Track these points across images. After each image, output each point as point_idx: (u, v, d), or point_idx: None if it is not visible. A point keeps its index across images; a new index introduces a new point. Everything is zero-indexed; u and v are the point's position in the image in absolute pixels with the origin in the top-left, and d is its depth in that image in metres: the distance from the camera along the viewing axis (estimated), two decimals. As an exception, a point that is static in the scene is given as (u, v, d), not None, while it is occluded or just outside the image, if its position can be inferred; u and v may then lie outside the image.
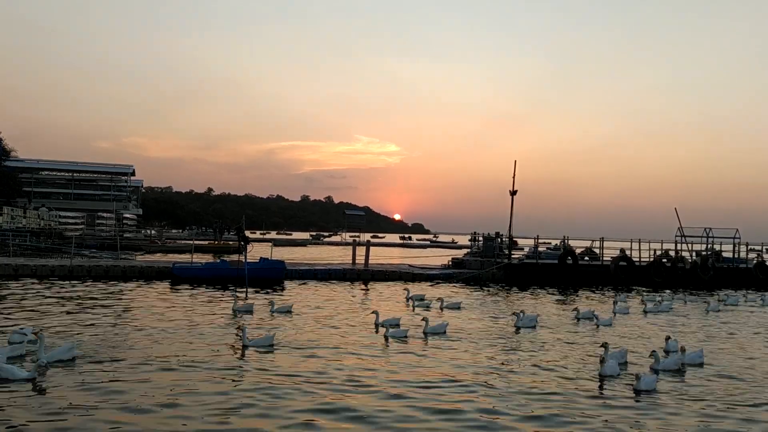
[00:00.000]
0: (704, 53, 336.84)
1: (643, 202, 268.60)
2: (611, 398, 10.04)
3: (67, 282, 25.21)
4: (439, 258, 42.27)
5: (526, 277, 33.06)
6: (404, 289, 24.64)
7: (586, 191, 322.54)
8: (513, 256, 35.86)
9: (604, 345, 12.67)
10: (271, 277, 27.95)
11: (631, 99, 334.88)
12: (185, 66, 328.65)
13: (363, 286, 27.78)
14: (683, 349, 12.84)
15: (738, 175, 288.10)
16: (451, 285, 29.87)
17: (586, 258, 37.22)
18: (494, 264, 33.84)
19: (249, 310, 18.53)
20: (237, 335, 13.87)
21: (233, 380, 10.28)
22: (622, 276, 33.98)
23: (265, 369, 11.11)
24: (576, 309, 19.56)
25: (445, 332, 15.58)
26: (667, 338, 14.68)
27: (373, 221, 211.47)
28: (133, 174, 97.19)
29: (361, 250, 34.80)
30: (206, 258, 39.98)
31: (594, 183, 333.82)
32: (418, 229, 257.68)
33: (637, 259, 35.87)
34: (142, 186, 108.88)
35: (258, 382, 10.21)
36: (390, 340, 14.50)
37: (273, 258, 30.98)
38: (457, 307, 20.98)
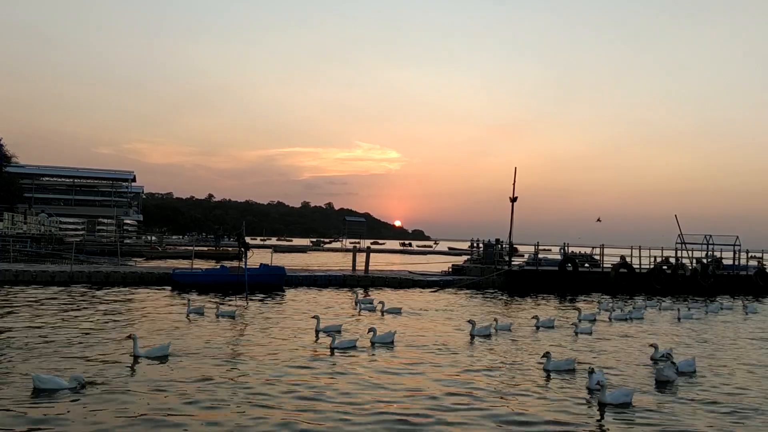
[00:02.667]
0: (704, 61, 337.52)
1: (644, 209, 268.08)
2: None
3: (53, 288, 25.21)
4: (439, 265, 42.27)
5: (527, 284, 33.03)
6: (352, 292, 24.50)
7: (587, 198, 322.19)
8: (513, 262, 35.87)
9: (546, 354, 12.50)
10: (271, 283, 27.95)
11: (631, 106, 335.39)
12: (186, 73, 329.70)
13: (362, 293, 27.78)
14: (669, 356, 12.70)
15: (738, 183, 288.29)
16: (450, 292, 29.85)
17: (587, 265, 37.24)
18: (494, 271, 33.84)
19: (200, 312, 18.76)
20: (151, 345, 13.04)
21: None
22: (623, 283, 33.96)
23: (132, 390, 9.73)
24: (536, 317, 19.01)
25: (392, 342, 14.74)
26: (654, 346, 14.10)
27: (373, 228, 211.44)
28: (133, 180, 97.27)
29: (361, 257, 34.82)
30: (207, 264, 39.97)
31: (594, 190, 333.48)
32: (419, 235, 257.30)
33: (638, 266, 35.87)
34: (142, 192, 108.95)
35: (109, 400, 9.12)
36: (336, 351, 13.53)
37: (273, 264, 31.02)
38: (397, 312, 20.82)
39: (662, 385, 11.51)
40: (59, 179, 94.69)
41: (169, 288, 26.55)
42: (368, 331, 15.03)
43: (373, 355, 13.48)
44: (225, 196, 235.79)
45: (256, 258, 31.27)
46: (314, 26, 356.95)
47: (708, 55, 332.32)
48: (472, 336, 16.37)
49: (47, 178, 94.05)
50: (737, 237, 40.57)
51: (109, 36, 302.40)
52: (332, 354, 13.31)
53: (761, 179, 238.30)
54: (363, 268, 33.65)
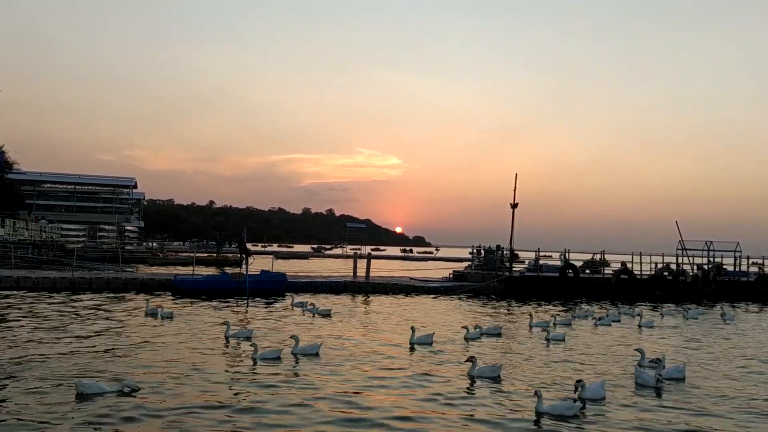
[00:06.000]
0: (705, 65, 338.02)
1: (644, 215, 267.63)
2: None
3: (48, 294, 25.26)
4: (440, 271, 42.26)
5: (527, 290, 33.04)
6: (289, 296, 24.80)
7: (587, 204, 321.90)
8: (514, 268, 35.88)
9: (471, 359, 12.11)
10: (273, 289, 27.98)
11: (631, 111, 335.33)
12: (187, 78, 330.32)
13: (363, 299, 27.83)
14: (659, 361, 12.57)
15: (739, 189, 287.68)
16: (451, 298, 29.87)
17: (587, 271, 37.27)
18: (495, 277, 33.86)
19: (154, 313, 19.21)
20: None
21: None
22: (624, 289, 33.97)
23: None
24: (477, 326, 17.81)
25: (317, 354, 13.60)
26: (641, 351, 13.78)
27: (374, 234, 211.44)
28: (135, 186, 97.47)
29: (362, 263, 34.86)
30: (208, 270, 40.05)
31: (595, 196, 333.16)
32: (420, 242, 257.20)
33: (639, 272, 35.88)
34: (143, 199, 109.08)
35: None
36: (258, 362, 12.62)
37: (274, 270, 31.07)
38: (327, 314, 21.03)
39: (640, 389, 11.39)
40: (61, 186, 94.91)
41: (170, 294, 26.57)
42: (290, 337, 14.24)
43: (294, 369, 12.30)
44: (226, 202, 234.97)
45: (257, 264, 31.35)
46: (315, 32, 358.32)
47: (708, 59, 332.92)
48: (412, 344, 15.39)
49: (49, 185, 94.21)
50: (738, 243, 40.57)
51: (110, 41, 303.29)
52: (255, 365, 12.46)
53: (762, 185, 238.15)
54: (364, 274, 33.69)
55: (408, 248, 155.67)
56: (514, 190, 36.13)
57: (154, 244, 76.04)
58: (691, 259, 39.33)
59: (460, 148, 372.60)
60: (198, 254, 51.49)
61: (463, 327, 17.50)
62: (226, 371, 11.94)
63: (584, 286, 33.80)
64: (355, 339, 16.37)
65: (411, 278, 36.65)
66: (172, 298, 25.47)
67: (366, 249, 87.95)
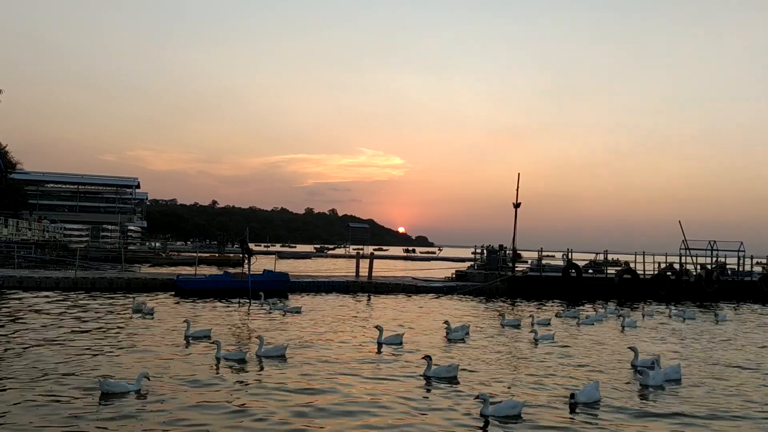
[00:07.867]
0: (707, 66, 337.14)
1: (647, 215, 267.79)
2: None
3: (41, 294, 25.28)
4: (442, 271, 42.22)
5: (530, 290, 32.99)
6: (259, 294, 24.57)
7: (590, 204, 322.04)
8: (517, 268, 35.83)
9: (426, 357, 11.85)
10: (275, 289, 27.96)
11: (634, 112, 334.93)
12: (189, 79, 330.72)
13: (366, 299, 27.81)
14: (656, 363, 12.54)
15: (742, 188, 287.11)
16: (453, 297, 29.83)
17: (590, 271, 37.20)
18: (498, 277, 33.81)
19: (139, 309, 19.68)
20: None
21: None
22: (626, 289, 33.90)
23: None
24: (446, 322, 17.47)
25: (283, 356, 13.10)
26: (634, 350, 13.63)
27: (377, 234, 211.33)
28: (138, 186, 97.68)
29: (364, 263, 34.84)
30: (211, 270, 40.06)
31: (597, 196, 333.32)
32: (422, 242, 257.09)
33: (642, 272, 35.80)
34: (146, 199, 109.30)
35: None
36: (223, 362, 12.35)
37: (277, 270, 31.07)
38: (297, 311, 21.05)
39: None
40: (64, 186, 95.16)
41: (172, 294, 26.55)
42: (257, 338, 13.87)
43: (258, 371, 11.89)
44: (229, 202, 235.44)
45: (260, 264, 31.39)
46: (318, 33, 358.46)
47: (710, 60, 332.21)
48: (379, 344, 15.00)
49: (52, 185, 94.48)
50: (741, 243, 40.47)
51: (112, 43, 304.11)
52: (218, 365, 12.13)
53: (765, 185, 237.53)
54: (366, 274, 33.68)
55: (411, 248, 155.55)
56: (517, 190, 36.16)
57: (157, 244, 76.05)
58: (694, 258, 39.26)
59: (463, 148, 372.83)
60: (200, 254, 51.52)
61: (445, 325, 17.23)
62: (187, 372, 11.53)
63: (587, 286, 33.74)
64: (324, 339, 15.95)
65: (414, 278, 36.61)
66: (175, 297, 25.46)
67: (369, 249, 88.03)
